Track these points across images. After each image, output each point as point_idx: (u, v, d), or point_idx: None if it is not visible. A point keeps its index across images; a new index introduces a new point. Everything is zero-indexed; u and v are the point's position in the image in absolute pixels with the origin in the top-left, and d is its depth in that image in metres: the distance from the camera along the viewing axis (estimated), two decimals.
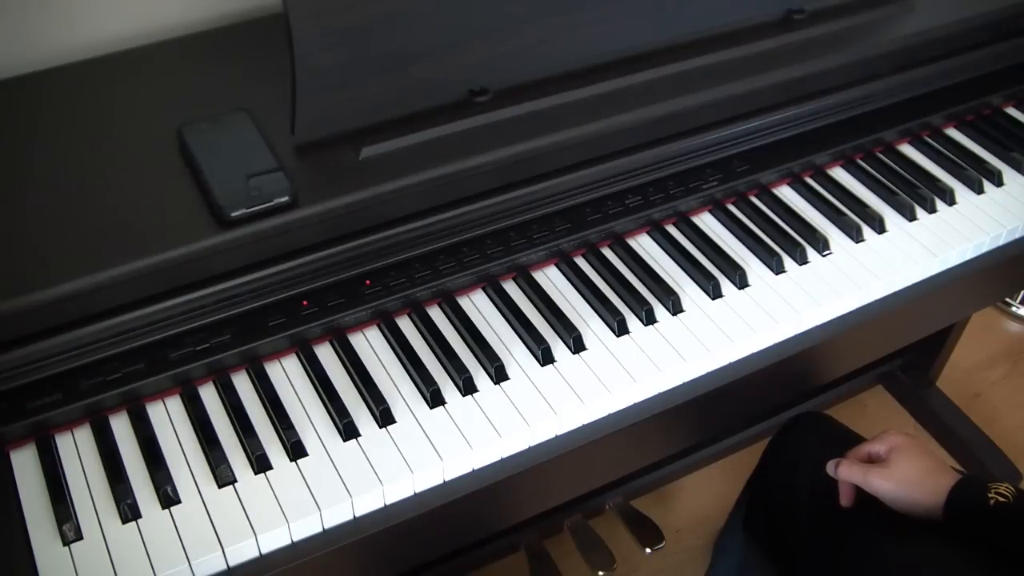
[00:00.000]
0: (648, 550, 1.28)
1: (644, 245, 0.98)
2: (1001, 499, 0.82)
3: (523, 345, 0.87)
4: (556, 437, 0.82)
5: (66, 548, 0.71)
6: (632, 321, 0.89)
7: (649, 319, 0.89)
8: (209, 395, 0.82)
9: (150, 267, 0.76)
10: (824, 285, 0.94)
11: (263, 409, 0.81)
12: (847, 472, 0.94)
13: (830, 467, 0.97)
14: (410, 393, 0.83)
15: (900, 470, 0.91)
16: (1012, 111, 1.19)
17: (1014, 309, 1.97)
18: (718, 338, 0.87)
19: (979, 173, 1.07)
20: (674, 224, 1.00)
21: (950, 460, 1.62)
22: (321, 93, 0.84)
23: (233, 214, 0.79)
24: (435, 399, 0.82)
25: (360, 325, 0.87)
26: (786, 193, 1.05)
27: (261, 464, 0.77)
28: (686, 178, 1.00)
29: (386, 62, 0.86)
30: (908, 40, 1.07)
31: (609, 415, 0.84)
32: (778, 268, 0.95)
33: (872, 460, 0.96)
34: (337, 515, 0.75)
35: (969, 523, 0.85)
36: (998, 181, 1.08)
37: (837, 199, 1.04)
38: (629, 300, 0.91)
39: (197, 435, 0.79)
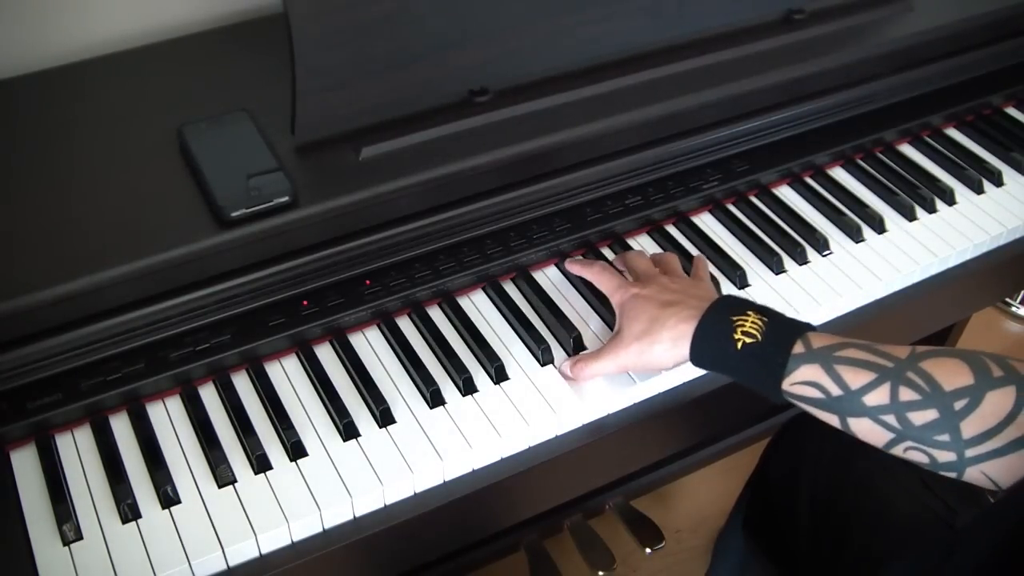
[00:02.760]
0: (648, 550, 1.28)
1: (644, 245, 0.98)
2: (749, 340, 0.74)
3: (523, 345, 0.87)
4: (556, 437, 0.82)
5: (66, 548, 0.71)
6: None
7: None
8: (209, 395, 0.82)
9: (150, 267, 0.77)
10: (824, 285, 0.94)
11: (263, 409, 0.81)
12: (587, 371, 0.83)
13: (563, 369, 0.84)
14: (410, 393, 0.83)
15: (625, 343, 0.80)
16: (1012, 111, 1.19)
17: (1014, 309, 1.97)
18: None
19: (979, 173, 1.07)
20: (674, 224, 1.00)
21: None
22: (321, 93, 0.84)
23: (233, 214, 0.79)
24: (435, 399, 0.82)
25: (360, 325, 0.87)
26: (786, 193, 1.05)
27: (261, 464, 0.77)
28: (686, 178, 1.00)
29: (386, 62, 0.86)
30: (908, 40, 1.07)
31: (609, 415, 0.84)
32: (778, 268, 0.95)
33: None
34: (337, 515, 0.75)
35: (718, 371, 0.79)
36: (998, 181, 1.08)
37: (837, 199, 1.04)
38: None
39: (197, 435, 0.79)
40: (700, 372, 0.87)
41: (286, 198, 0.81)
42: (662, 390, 0.86)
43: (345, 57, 0.83)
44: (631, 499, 1.40)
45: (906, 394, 0.69)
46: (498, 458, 0.80)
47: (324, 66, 0.83)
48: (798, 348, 0.73)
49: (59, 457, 0.77)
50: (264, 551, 0.73)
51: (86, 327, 0.77)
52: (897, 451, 0.71)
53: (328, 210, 0.82)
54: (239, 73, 0.97)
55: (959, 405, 0.67)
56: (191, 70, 0.99)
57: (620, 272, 0.89)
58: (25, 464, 0.76)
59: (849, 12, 1.08)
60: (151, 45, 1.02)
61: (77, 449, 0.78)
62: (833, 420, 0.73)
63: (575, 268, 0.92)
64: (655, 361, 0.80)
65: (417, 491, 0.78)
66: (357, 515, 0.76)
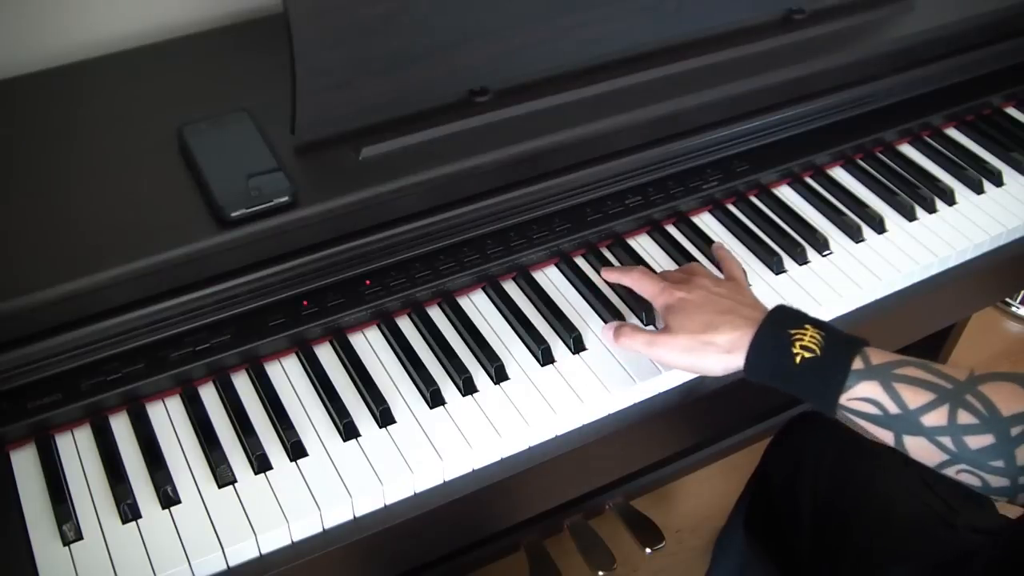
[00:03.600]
0: (648, 550, 1.28)
1: (644, 245, 0.98)
2: (808, 354, 0.73)
3: (523, 345, 0.87)
4: (556, 437, 0.82)
5: (66, 548, 0.71)
6: (632, 321, 0.89)
7: (649, 319, 0.89)
8: (209, 395, 0.82)
9: (150, 267, 0.77)
10: (824, 285, 0.94)
11: (263, 409, 0.81)
12: (629, 342, 0.84)
13: (605, 331, 0.86)
14: (410, 393, 0.83)
15: (679, 338, 0.80)
16: (1012, 111, 1.19)
17: (1014, 309, 1.97)
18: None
19: (979, 173, 1.07)
20: (674, 224, 1.00)
21: None
22: (321, 93, 0.84)
23: (233, 214, 0.79)
24: (435, 399, 0.82)
25: (360, 325, 0.87)
26: (786, 193, 1.05)
27: (261, 464, 0.77)
28: (686, 178, 1.00)
29: (386, 62, 0.86)
30: (908, 40, 1.07)
31: (609, 415, 0.84)
32: (778, 268, 0.95)
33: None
34: (337, 515, 0.75)
35: (776, 385, 0.76)
36: (998, 181, 1.08)
37: (837, 199, 1.04)
38: (629, 300, 0.90)
39: (197, 435, 0.79)
40: (700, 372, 0.87)
41: (286, 198, 0.81)
42: (662, 390, 0.86)
43: (345, 57, 0.83)
44: (631, 499, 1.40)
45: (964, 417, 0.68)
46: (498, 458, 0.80)
47: (324, 66, 0.83)
48: (857, 364, 0.72)
49: (59, 457, 0.77)
50: (264, 551, 0.73)
51: (86, 327, 0.77)
52: (949, 472, 0.70)
53: (328, 210, 0.82)
54: (239, 73, 0.97)
55: (1016, 431, 0.67)
56: (191, 70, 0.99)
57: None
58: (25, 464, 0.76)
59: (849, 12, 1.08)
60: (151, 45, 1.02)
61: (77, 449, 0.78)
62: (888, 437, 0.72)
63: (612, 276, 0.91)
64: (703, 365, 0.79)
65: (417, 491, 0.78)
66: (357, 515, 0.76)
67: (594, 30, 0.94)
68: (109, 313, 0.77)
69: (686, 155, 0.99)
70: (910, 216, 1.02)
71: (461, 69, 0.90)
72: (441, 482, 0.78)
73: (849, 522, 0.96)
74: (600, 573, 1.25)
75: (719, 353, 0.78)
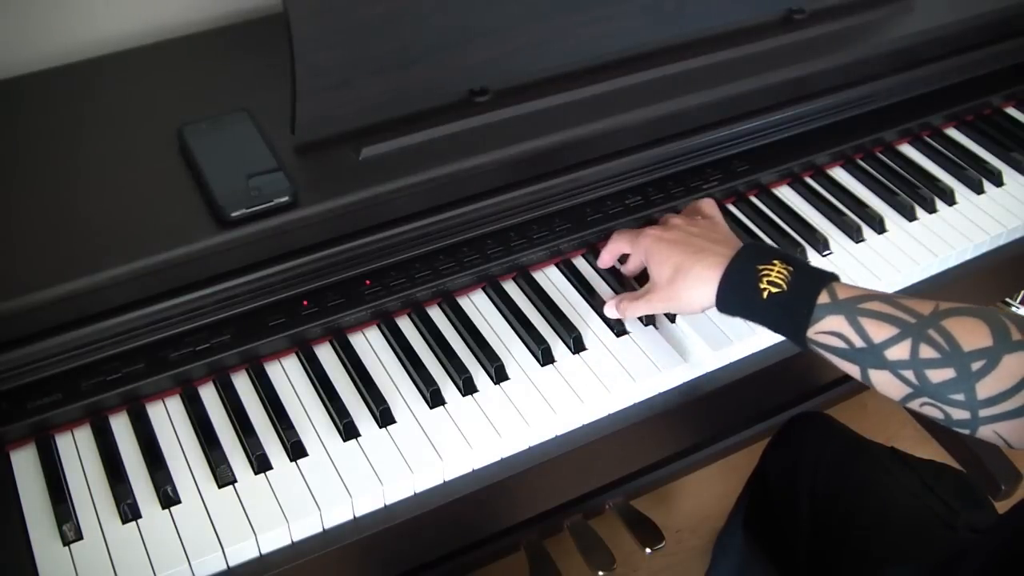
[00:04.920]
0: (648, 550, 1.28)
1: None
2: (775, 289, 0.75)
3: (523, 345, 0.87)
4: (556, 437, 0.82)
5: (66, 548, 0.71)
6: (632, 321, 0.89)
7: (649, 320, 0.89)
8: (209, 395, 0.82)
9: (150, 267, 0.77)
10: None
11: (263, 409, 0.81)
12: (630, 310, 0.87)
13: (608, 309, 0.89)
14: (410, 393, 0.83)
15: (658, 284, 0.83)
16: (1012, 111, 1.19)
17: (1014, 309, 1.97)
18: (719, 338, 0.87)
19: (979, 173, 1.07)
20: None
21: (949, 459, 1.62)
22: (321, 93, 0.84)
23: (233, 214, 0.79)
24: (435, 399, 0.82)
25: (360, 325, 0.87)
26: (786, 193, 1.05)
27: (261, 464, 0.77)
28: (686, 178, 1.00)
29: (386, 62, 0.86)
30: (908, 40, 1.07)
31: (609, 415, 0.84)
32: None
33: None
34: (337, 515, 0.75)
35: (745, 318, 0.80)
36: (998, 181, 1.08)
37: (837, 199, 1.04)
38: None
39: (197, 435, 0.79)
40: (701, 372, 0.87)
41: (286, 198, 0.81)
42: (662, 390, 0.86)
43: (345, 56, 0.83)
44: (631, 499, 1.40)
45: (926, 351, 0.69)
46: (498, 458, 0.80)
47: (324, 65, 0.83)
48: (823, 298, 0.73)
49: (59, 457, 0.77)
50: (264, 551, 0.73)
51: (86, 327, 0.77)
52: (913, 405, 0.72)
53: (328, 210, 0.82)
54: (239, 73, 0.97)
55: (976, 366, 0.68)
56: (191, 70, 0.99)
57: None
58: (25, 464, 0.76)
59: (849, 12, 1.08)
60: (152, 45, 1.02)
61: (77, 449, 0.78)
62: (854, 371, 0.73)
63: (604, 259, 0.92)
64: (684, 306, 0.82)
65: (417, 491, 0.78)
66: (357, 515, 0.76)
67: (594, 30, 0.94)
68: (109, 313, 0.77)
69: (686, 155, 0.99)
70: (910, 216, 1.02)
71: (461, 69, 0.90)
72: (441, 482, 0.78)
73: (848, 522, 0.96)
74: (600, 573, 1.25)
75: (693, 291, 0.80)
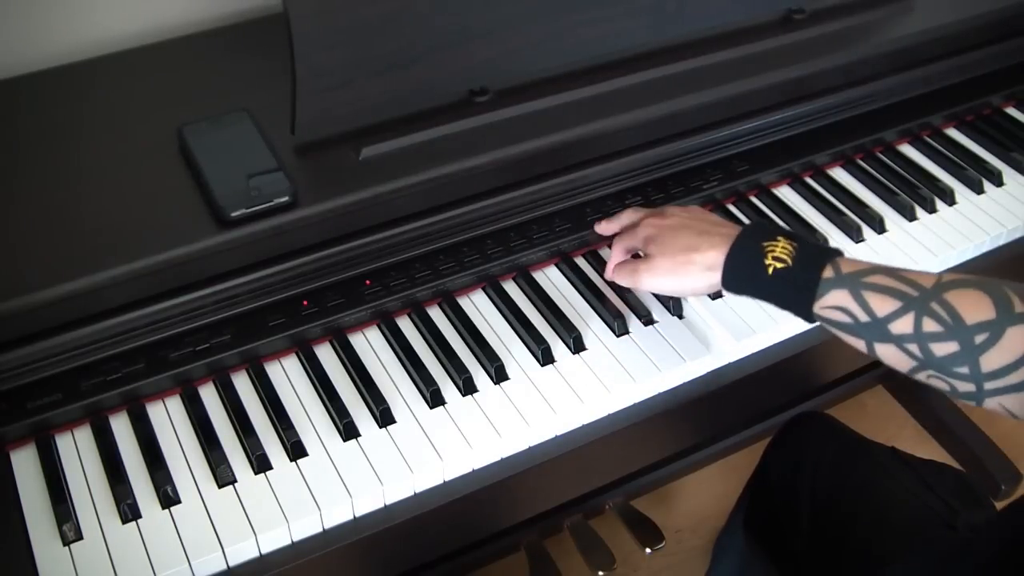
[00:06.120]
0: (648, 550, 1.28)
1: None
2: (780, 265, 0.76)
3: (523, 345, 0.87)
4: (556, 437, 0.82)
5: (66, 548, 0.71)
6: (632, 322, 0.89)
7: (649, 320, 0.89)
8: (209, 395, 0.82)
9: (150, 267, 0.77)
10: None
11: (263, 409, 0.81)
12: (624, 279, 0.87)
13: (611, 272, 0.89)
14: (410, 393, 0.83)
15: (661, 261, 0.83)
16: (1012, 111, 1.19)
17: None
18: (720, 338, 0.87)
19: (979, 173, 1.07)
20: None
21: (949, 459, 1.62)
22: (321, 93, 0.84)
23: (233, 214, 0.79)
24: (435, 399, 0.82)
25: (360, 325, 0.87)
26: (786, 193, 1.05)
27: (261, 464, 0.77)
28: (686, 178, 1.00)
29: (386, 62, 0.86)
30: (908, 40, 1.07)
31: (609, 415, 0.84)
32: None
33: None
34: (337, 515, 0.75)
35: (752, 295, 0.80)
36: (998, 181, 1.08)
37: (837, 199, 1.04)
38: (630, 300, 0.90)
39: (197, 435, 0.79)
40: (699, 372, 0.87)
41: (286, 198, 0.81)
42: (662, 390, 0.86)
43: (345, 56, 0.83)
44: (631, 499, 1.39)
45: (929, 325, 0.69)
46: (498, 458, 0.80)
47: (324, 65, 0.83)
48: (827, 273, 0.74)
49: (59, 457, 0.77)
50: (264, 551, 0.73)
51: (86, 327, 0.77)
52: (920, 377, 0.72)
53: (328, 210, 0.82)
54: (239, 73, 0.97)
55: (979, 339, 0.68)
56: (191, 70, 0.99)
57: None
58: (25, 464, 0.76)
59: (849, 12, 1.08)
60: (151, 45, 1.02)
61: (77, 449, 0.78)
62: (860, 344, 0.74)
63: (606, 227, 0.92)
64: (687, 284, 0.82)
65: (417, 491, 0.78)
66: (357, 515, 0.76)
67: (594, 30, 0.95)
68: (109, 313, 0.77)
69: (686, 155, 0.99)
70: (910, 216, 1.02)
71: (461, 69, 0.90)
72: (441, 482, 0.78)
73: (848, 522, 0.96)
74: (600, 573, 1.25)
75: (700, 271, 0.80)
